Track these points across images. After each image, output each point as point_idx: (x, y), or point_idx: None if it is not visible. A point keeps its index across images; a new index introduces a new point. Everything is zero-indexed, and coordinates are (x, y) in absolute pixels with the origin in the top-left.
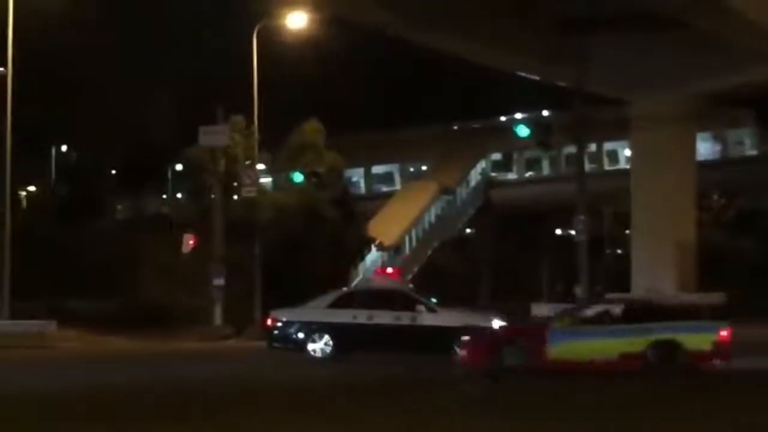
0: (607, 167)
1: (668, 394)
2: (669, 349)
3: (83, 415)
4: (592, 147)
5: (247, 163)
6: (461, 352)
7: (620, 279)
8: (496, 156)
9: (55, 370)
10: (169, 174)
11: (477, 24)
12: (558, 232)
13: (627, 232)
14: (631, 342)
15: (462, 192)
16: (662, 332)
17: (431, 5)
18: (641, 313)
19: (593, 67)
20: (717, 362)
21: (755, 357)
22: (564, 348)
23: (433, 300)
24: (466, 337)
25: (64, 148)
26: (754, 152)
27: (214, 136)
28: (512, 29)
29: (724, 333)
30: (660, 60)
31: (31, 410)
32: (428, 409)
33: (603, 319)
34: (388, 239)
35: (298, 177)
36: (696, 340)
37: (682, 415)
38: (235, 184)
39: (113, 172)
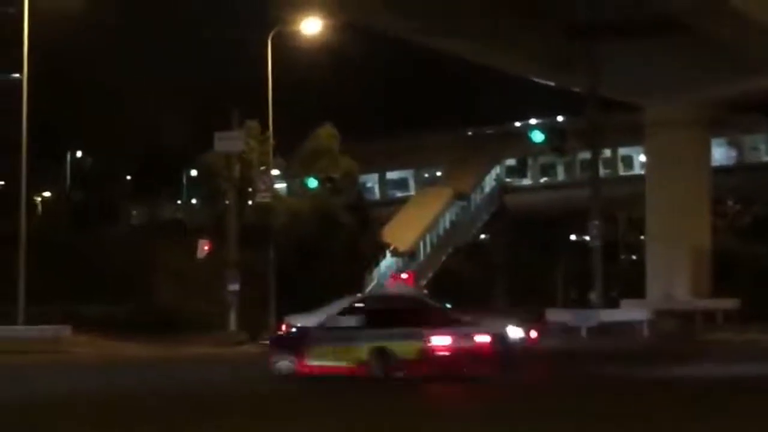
0: (621, 173)
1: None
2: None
3: (83, 418)
4: (607, 152)
5: (262, 168)
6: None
7: (635, 284)
8: (511, 162)
9: (65, 375)
10: (184, 179)
11: (491, 30)
12: (572, 237)
13: (641, 237)
14: (361, 349)
15: (476, 198)
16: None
17: (443, 10)
18: (372, 319)
19: (606, 73)
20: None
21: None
22: (317, 353)
23: (448, 306)
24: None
25: (78, 153)
26: None
27: (229, 142)
28: (525, 35)
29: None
30: (673, 65)
31: (32, 414)
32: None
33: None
34: (403, 245)
35: (312, 182)
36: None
37: None
38: (250, 189)
39: (128, 177)
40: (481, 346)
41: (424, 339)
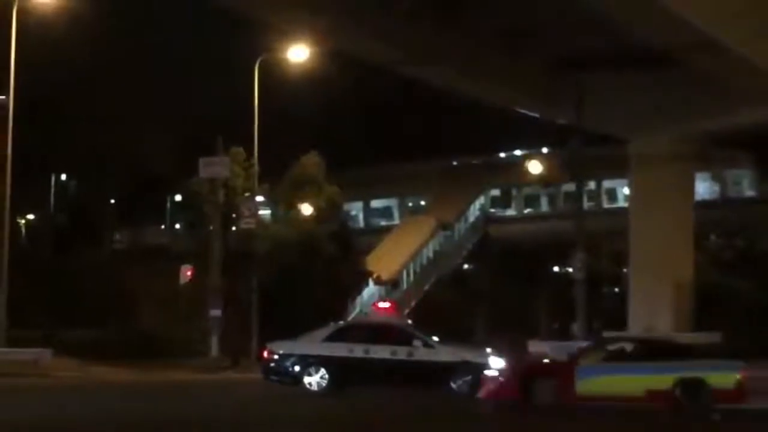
0: (605, 205)
1: None
2: None
3: None
4: (591, 185)
5: (246, 195)
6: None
7: (617, 317)
8: (495, 192)
9: (42, 399)
10: (169, 205)
11: (476, 61)
12: (555, 269)
13: (624, 270)
14: None
15: (460, 227)
16: None
17: (429, 41)
18: None
19: (592, 106)
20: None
21: None
22: None
23: (434, 337)
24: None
25: (63, 177)
26: (752, 193)
27: (214, 168)
28: (511, 67)
29: None
30: (659, 99)
31: None
32: None
33: None
34: (386, 273)
35: (307, 209)
36: None
37: None
38: (234, 216)
39: (112, 201)
40: None
41: None
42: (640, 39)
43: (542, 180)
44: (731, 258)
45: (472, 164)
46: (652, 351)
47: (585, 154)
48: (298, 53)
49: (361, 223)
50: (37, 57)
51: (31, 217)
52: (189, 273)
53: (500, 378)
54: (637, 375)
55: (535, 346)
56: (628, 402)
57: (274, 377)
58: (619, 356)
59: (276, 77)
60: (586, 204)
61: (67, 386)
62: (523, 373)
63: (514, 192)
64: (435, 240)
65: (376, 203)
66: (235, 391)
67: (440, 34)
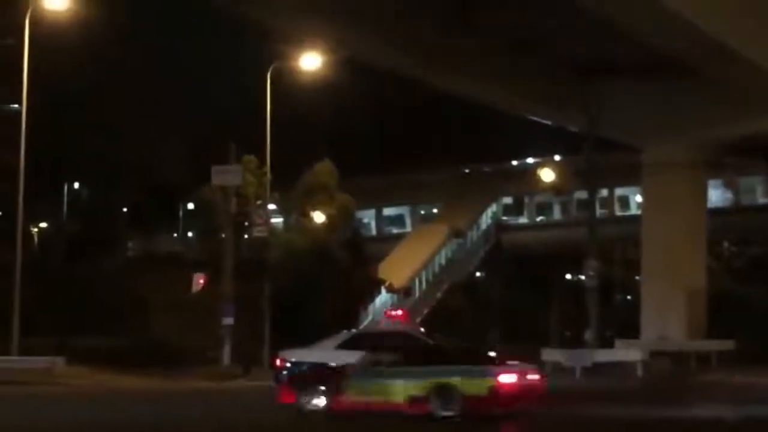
0: (618, 213)
1: None
2: None
3: None
4: (604, 192)
5: (259, 203)
6: None
7: (629, 324)
8: (507, 200)
9: (55, 407)
10: (181, 213)
11: (490, 68)
12: (568, 276)
13: (637, 278)
14: None
15: (473, 235)
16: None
17: (441, 48)
18: None
19: (605, 113)
20: None
21: None
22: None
23: None
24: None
25: (76, 185)
26: (765, 200)
27: (226, 176)
28: (523, 74)
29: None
30: (672, 107)
31: None
32: None
33: None
34: (399, 281)
35: (319, 217)
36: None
37: None
38: (246, 223)
39: (125, 210)
40: None
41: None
42: (653, 47)
43: (554, 188)
44: (744, 265)
45: (485, 172)
46: (415, 356)
47: (598, 161)
48: (311, 61)
49: (374, 231)
50: (49, 65)
51: (43, 225)
52: (201, 281)
53: (281, 383)
54: (399, 381)
55: (548, 354)
56: (393, 408)
57: None
58: (386, 362)
59: (288, 85)
60: (599, 212)
61: (79, 394)
62: (297, 379)
63: (526, 200)
64: (447, 248)
65: (388, 211)
66: (247, 399)
67: (452, 41)
